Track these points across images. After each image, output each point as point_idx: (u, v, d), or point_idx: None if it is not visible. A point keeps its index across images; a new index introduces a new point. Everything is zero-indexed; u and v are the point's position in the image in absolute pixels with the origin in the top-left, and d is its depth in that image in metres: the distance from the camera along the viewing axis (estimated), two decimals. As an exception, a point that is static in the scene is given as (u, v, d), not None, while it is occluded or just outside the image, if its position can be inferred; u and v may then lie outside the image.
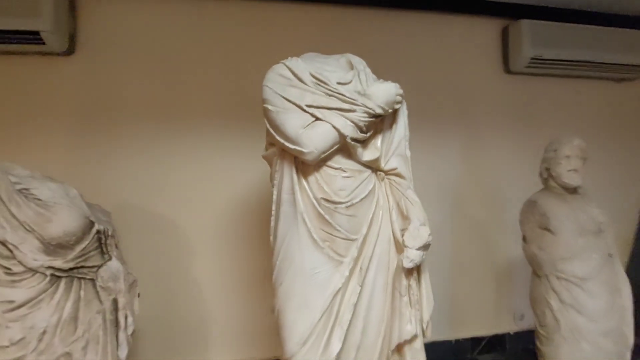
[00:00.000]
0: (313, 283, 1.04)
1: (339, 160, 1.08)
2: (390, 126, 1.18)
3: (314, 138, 1.01)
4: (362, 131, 1.07)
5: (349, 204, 1.07)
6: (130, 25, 1.87)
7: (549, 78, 2.40)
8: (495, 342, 2.26)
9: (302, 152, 1.02)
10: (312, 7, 2.05)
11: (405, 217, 1.12)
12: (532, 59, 2.20)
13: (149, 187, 1.85)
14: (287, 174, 1.09)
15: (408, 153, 1.21)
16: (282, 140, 1.05)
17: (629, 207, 2.49)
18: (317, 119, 1.04)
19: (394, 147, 1.18)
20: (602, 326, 1.42)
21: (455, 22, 2.27)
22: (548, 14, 2.27)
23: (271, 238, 1.13)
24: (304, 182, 1.07)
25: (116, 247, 1.34)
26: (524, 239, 1.65)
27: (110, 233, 1.30)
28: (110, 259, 1.29)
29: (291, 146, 1.03)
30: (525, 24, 2.18)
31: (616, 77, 2.46)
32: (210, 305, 1.91)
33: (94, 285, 1.24)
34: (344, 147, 1.08)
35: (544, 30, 2.20)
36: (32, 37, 1.60)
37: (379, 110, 1.07)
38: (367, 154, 1.11)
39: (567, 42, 2.23)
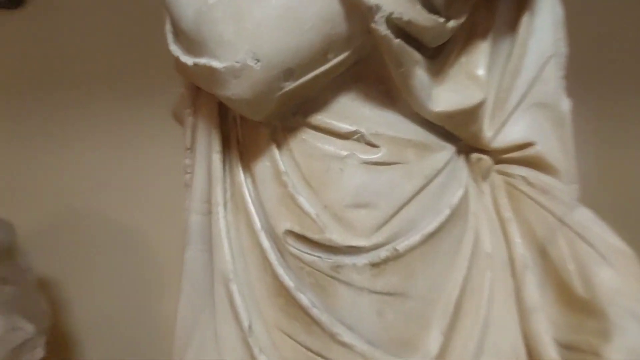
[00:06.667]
0: None
1: (355, 114, 0.34)
2: (513, 27, 0.41)
3: (248, 20, 0.29)
4: (431, 10, 0.32)
5: (385, 251, 0.32)
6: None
7: None
8: None
9: (214, 70, 0.30)
10: None
11: (578, 301, 0.33)
12: None
13: (107, 182, 1.37)
14: (203, 154, 0.38)
15: (565, 103, 0.42)
16: (174, 45, 0.34)
17: None
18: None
19: (522, 84, 0.40)
20: None
21: None
22: None
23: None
24: (242, 177, 0.35)
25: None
26: None
27: None
28: None
29: (190, 57, 0.32)
30: None
31: None
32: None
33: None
34: (369, 76, 0.34)
35: None
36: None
37: None
38: (447, 96, 0.35)
39: None
